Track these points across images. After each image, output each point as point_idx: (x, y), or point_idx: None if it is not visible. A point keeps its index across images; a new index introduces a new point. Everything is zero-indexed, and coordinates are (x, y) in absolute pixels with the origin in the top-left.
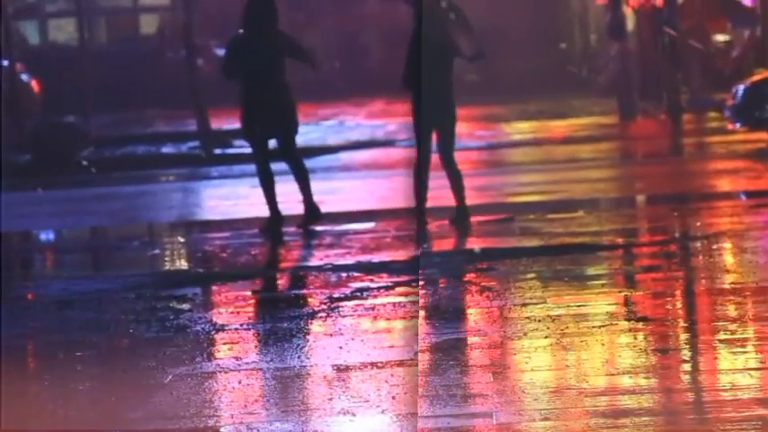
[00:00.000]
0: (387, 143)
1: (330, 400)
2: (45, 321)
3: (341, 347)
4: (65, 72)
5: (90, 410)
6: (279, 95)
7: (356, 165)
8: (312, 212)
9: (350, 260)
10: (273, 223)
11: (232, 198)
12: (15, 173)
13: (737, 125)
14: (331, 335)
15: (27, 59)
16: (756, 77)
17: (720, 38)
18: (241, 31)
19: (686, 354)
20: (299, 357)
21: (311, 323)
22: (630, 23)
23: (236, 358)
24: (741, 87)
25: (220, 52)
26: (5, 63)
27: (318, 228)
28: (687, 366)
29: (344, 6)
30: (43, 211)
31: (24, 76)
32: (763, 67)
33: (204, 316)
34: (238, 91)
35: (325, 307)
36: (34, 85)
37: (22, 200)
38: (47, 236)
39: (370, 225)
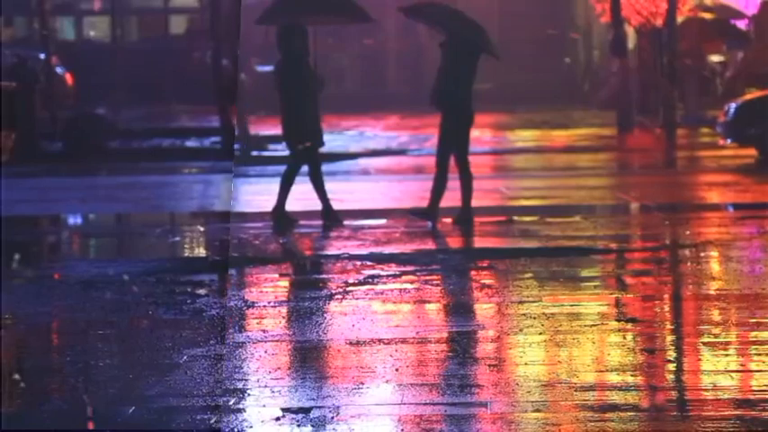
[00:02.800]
0: (399, 152)
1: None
2: (70, 301)
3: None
4: (98, 67)
5: (108, 386)
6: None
7: (373, 170)
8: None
9: (364, 251)
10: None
11: (264, 193)
12: (48, 160)
13: (728, 141)
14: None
15: (62, 54)
16: (748, 96)
17: (715, 58)
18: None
19: (671, 354)
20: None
21: (329, 303)
22: (631, 42)
23: (255, 334)
24: (733, 105)
25: (260, 68)
26: (42, 56)
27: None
28: (672, 366)
29: (367, 34)
30: (74, 197)
31: (59, 69)
32: (755, 86)
33: (220, 301)
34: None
35: (341, 290)
36: (68, 77)
37: (54, 185)
38: (75, 220)
39: (382, 222)
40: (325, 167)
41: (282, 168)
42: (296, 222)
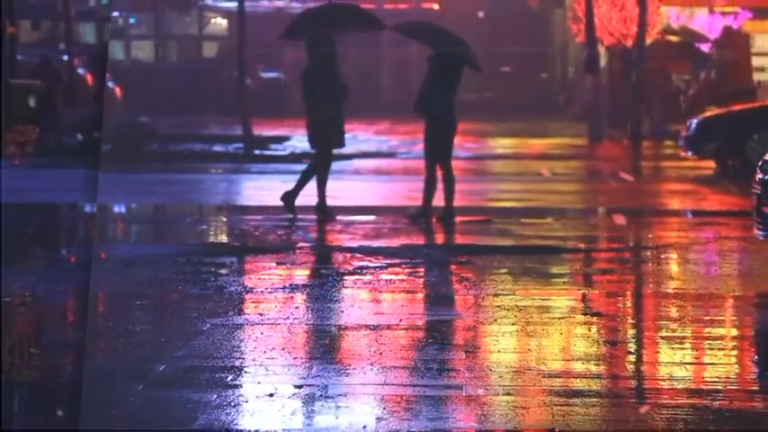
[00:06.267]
0: (389, 155)
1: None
2: (113, 277)
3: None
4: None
5: (144, 347)
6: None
7: (364, 170)
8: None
9: (354, 244)
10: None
11: (266, 189)
12: (66, 152)
13: (689, 153)
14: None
15: (114, 72)
16: (708, 113)
17: (680, 78)
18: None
19: (632, 347)
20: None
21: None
22: (603, 61)
23: (260, 314)
24: (694, 121)
25: (265, 75)
26: (65, 58)
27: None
28: (632, 357)
29: (363, 44)
30: (119, 191)
31: (80, 70)
32: (715, 104)
33: (237, 280)
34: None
35: (332, 279)
36: (118, 91)
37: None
38: (119, 209)
39: (372, 218)
40: None
41: (281, 167)
42: (296, 216)
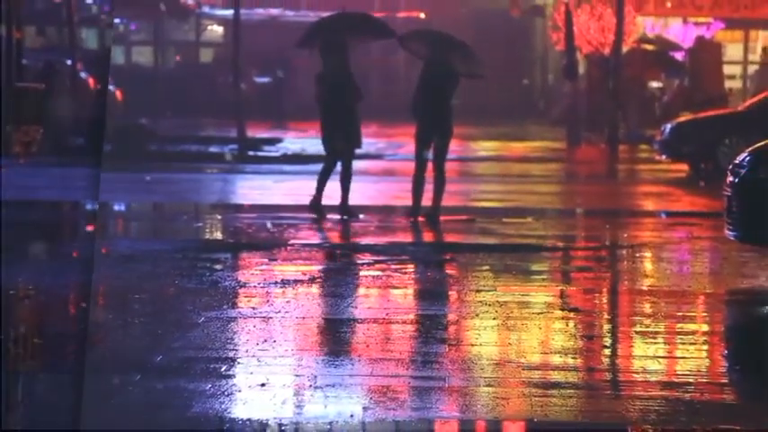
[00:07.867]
0: (377, 156)
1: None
2: (113, 271)
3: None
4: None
5: (142, 338)
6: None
7: (353, 171)
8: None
9: (344, 241)
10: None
11: (259, 189)
12: (69, 152)
13: (664, 157)
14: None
15: (115, 76)
16: (681, 119)
17: (655, 84)
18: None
19: (607, 341)
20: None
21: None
22: (582, 68)
23: (253, 308)
24: (668, 126)
25: (259, 80)
26: (69, 62)
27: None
28: (607, 351)
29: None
30: (120, 189)
31: (83, 74)
32: (688, 110)
33: (231, 275)
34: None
35: (321, 275)
36: (118, 94)
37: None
38: (119, 207)
39: (360, 216)
40: (310, 167)
41: (274, 167)
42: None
